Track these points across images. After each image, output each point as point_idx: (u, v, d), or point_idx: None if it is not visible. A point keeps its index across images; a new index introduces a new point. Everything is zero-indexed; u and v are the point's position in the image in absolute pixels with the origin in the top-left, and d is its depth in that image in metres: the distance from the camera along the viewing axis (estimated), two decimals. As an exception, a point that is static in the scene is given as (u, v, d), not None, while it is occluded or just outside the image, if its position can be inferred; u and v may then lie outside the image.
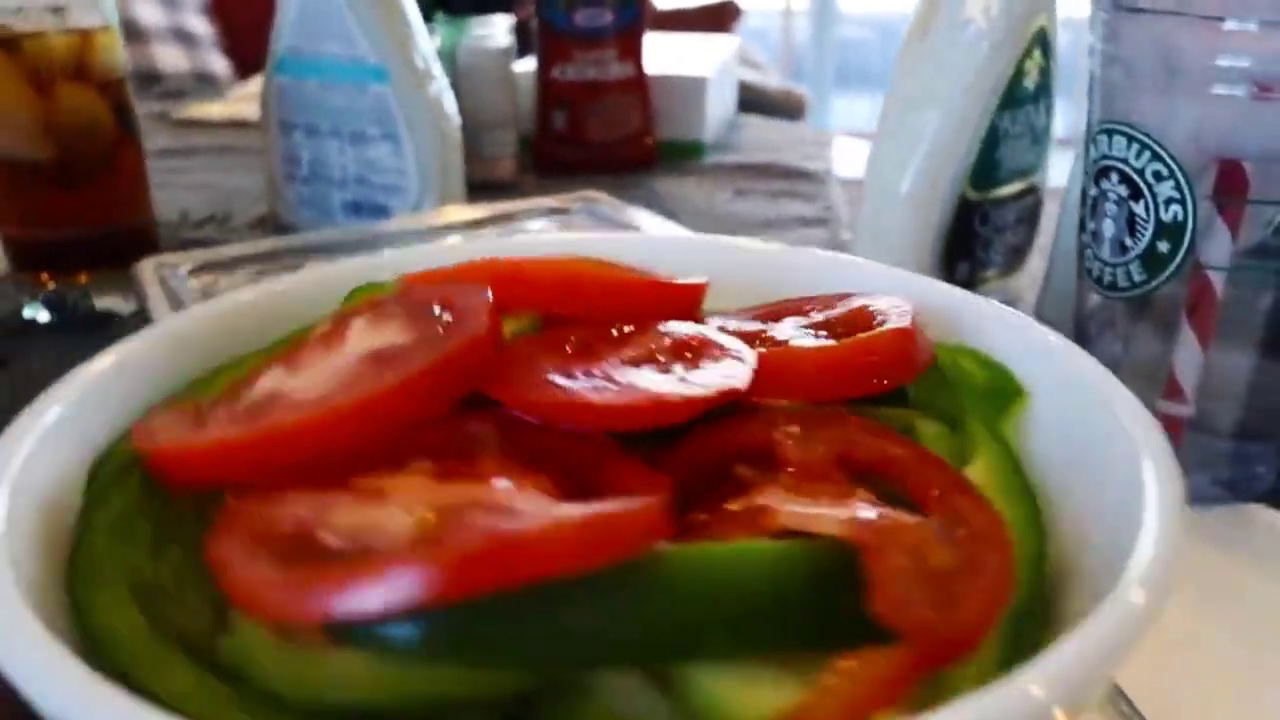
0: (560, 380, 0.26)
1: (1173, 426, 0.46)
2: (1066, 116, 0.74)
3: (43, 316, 0.64)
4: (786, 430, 0.27)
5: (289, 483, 0.22)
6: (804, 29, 3.61)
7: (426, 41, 0.71)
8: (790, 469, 0.26)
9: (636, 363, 0.28)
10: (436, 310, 0.26)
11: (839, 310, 0.33)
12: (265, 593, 0.19)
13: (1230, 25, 0.39)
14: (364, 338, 0.27)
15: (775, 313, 0.35)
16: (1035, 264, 0.68)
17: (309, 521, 0.21)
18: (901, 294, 0.33)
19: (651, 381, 0.26)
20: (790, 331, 0.32)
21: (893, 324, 0.30)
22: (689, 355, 0.29)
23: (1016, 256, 0.66)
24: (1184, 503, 0.23)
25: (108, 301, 0.65)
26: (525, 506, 0.20)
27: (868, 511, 0.23)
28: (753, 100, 1.51)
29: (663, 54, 1.05)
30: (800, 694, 0.20)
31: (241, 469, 0.23)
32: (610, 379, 0.26)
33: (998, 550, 0.22)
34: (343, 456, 0.23)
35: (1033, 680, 0.18)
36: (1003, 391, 0.31)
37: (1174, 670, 0.32)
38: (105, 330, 0.64)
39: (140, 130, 0.66)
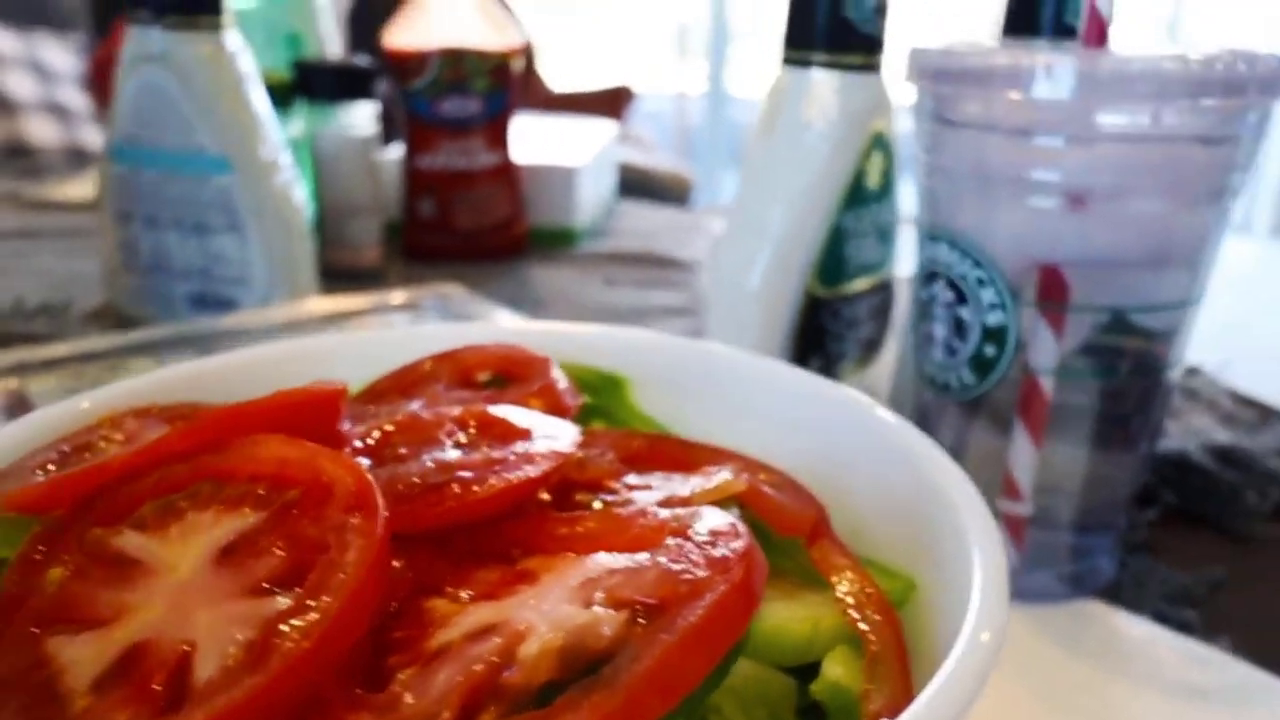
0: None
1: (1013, 525, 0.46)
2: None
3: None
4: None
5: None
6: (697, 111, 3.70)
7: (273, 130, 0.69)
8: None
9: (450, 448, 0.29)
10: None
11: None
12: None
13: (1040, 141, 0.40)
14: (215, 535, 0.25)
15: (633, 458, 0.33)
16: (891, 354, 0.68)
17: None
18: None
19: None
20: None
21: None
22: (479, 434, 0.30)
23: (871, 349, 0.67)
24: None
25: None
26: None
27: None
28: (637, 182, 1.52)
29: (539, 140, 1.05)
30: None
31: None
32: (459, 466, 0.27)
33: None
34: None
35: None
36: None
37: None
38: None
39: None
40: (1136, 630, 0.45)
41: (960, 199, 0.43)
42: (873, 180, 0.58)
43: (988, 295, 0.43)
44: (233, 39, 0.67)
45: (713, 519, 0.24)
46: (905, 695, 0.25)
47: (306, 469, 0.25)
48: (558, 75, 2.38)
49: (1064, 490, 0.47)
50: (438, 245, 0.96)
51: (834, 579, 0.28)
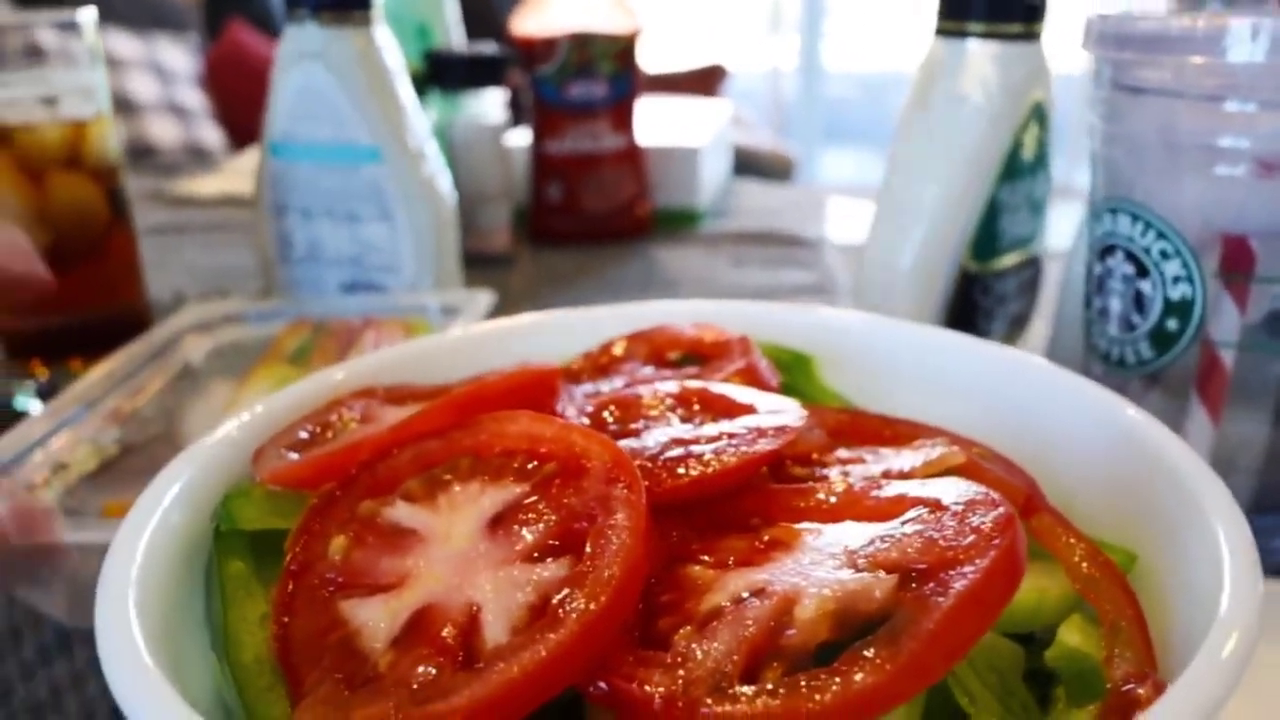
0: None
1: (1188, 503, 0.45)
2: (1069, 170, 0.74)
3: (35, 407, 0.63)
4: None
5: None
6: (791, 88, 3.66)
7: (420, 121, 0.71)
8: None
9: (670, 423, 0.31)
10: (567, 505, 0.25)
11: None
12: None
13: (1231, 106, 0.39)
14: (483, 505, 0.26)
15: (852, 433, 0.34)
16: (1038, 329, 0.67)
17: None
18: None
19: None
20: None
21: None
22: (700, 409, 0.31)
23: (1018, 325, 0.66)
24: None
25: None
26: None
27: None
28: (744, 162, 1.52)
29: (657, 122, 1.05)
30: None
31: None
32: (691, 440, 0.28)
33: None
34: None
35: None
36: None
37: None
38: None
39: (133, 214, 0.66)
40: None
41: (1143, 169, 0.43)
42: (1029, 152, 0.58)
43: (1172, 268, 0.42)
44: (382, 33, 0.69)
45: (963, 488, 0.24)
46: (1151, 665, 0.25)
47: (560, 444, 0.27)
48: (650, 55, 2.38)
49: (1241, 468, 0.46)
50: (565, 229, 0.97)
51: (1060, 549, 0.28)
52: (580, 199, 0.96)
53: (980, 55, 0.55)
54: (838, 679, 0.20)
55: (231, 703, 0.25)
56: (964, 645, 0.21)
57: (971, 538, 0.22)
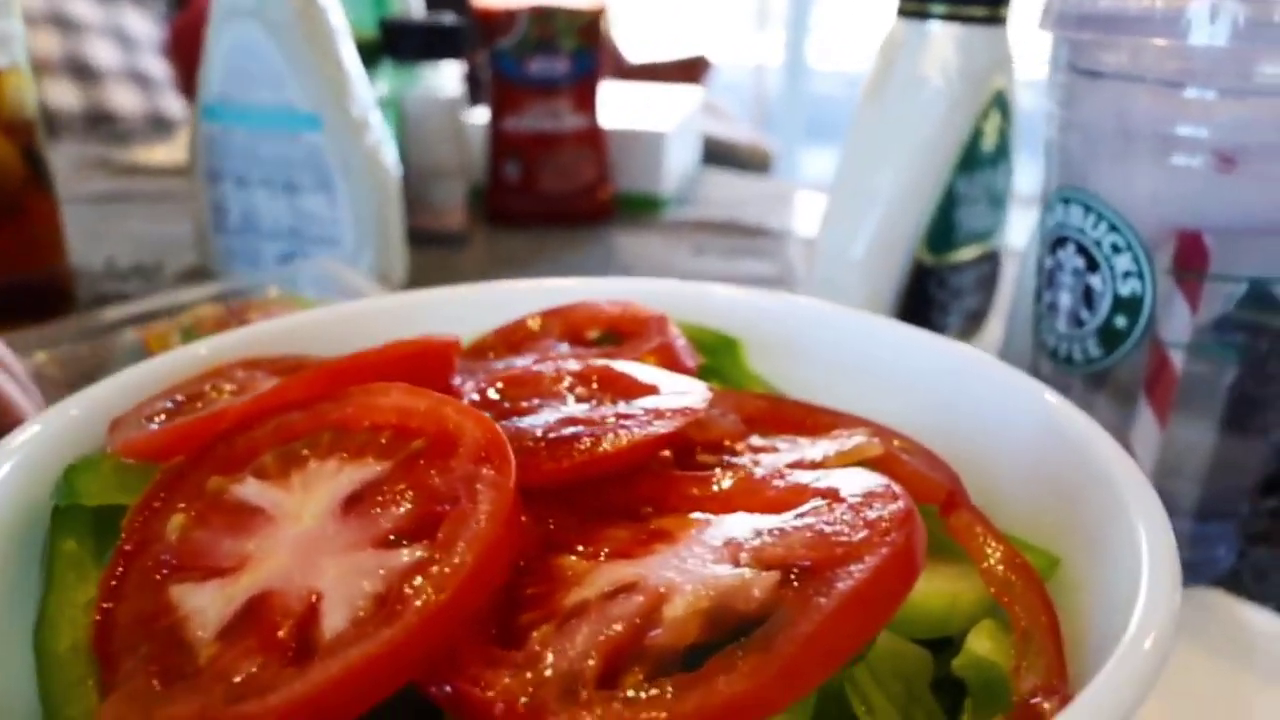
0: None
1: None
2: (1029, 175, 0.72)
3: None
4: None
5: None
6: (775, 83, 3.64)
7: (364, 88, 0.68)
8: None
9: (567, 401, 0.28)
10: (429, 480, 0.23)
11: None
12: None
13: (1190, 93, 0.37)
14: (339, 484, 0.24)
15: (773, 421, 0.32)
16: (994, 327, 0.66)
17: None
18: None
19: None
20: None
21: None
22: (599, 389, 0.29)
23: (974, 321, 0.64)
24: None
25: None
26: None
27: None
28: (719, 153, 1.49)
29: (625, 106, 1.03)
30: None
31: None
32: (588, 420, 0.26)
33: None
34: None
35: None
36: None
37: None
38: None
39: (53, 174, 0.63)
40: (1262, 622, 0.43)
41: (1097, 157, 0.41)
42: (989, 142, 0.56)
43: (1123, 262, 0.40)
44: (325, -6, 0.66)
45: (864, 480, 0.22)
46: (1061, 676, 0.23)
47: (431, 419, 0.24)
48: (634, 45, 2.35)
49: (1186, 474, 0.44)
50: (522, 209, 0.95)
51: (976, 550, 0.26)
52: (539, 179, 0.93)
53: (942, 37, 0.53)
54: (701, 685, 0.18)
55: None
56: (846, 651, 0.19)
57: (864, 532, 0.20)
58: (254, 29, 0.64)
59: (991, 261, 0.62)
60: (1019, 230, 0.65)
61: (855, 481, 0.22)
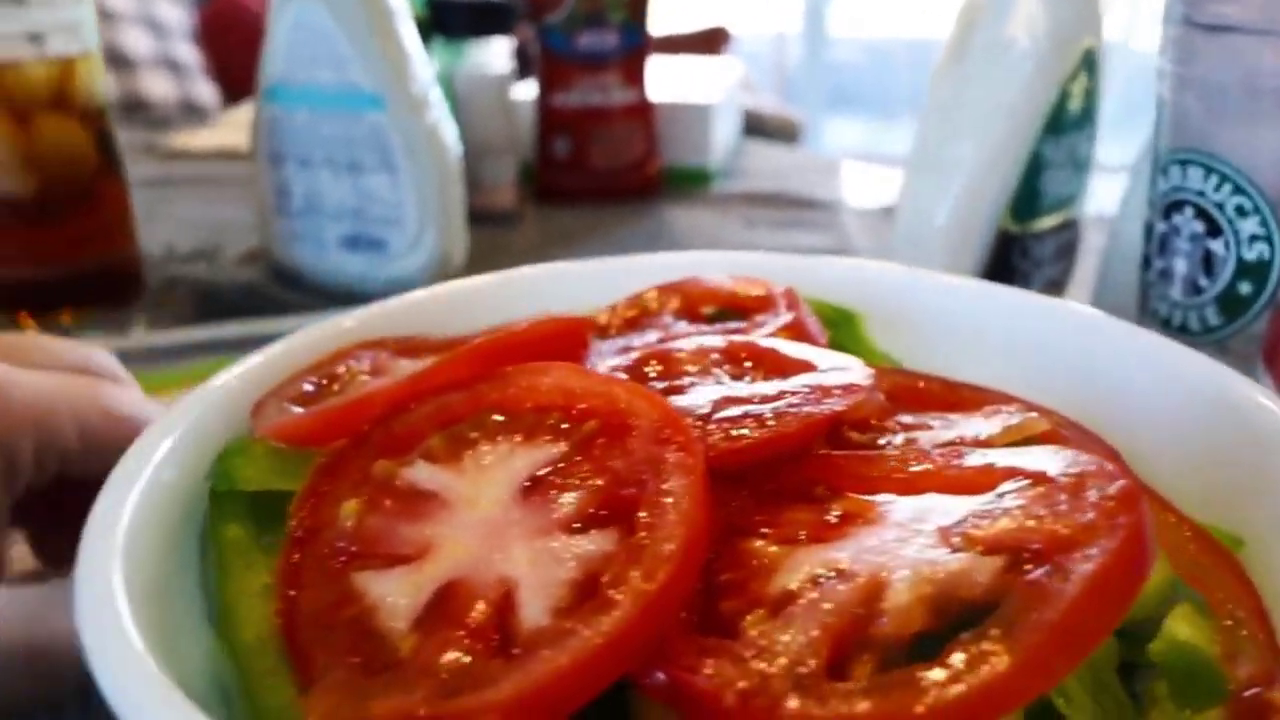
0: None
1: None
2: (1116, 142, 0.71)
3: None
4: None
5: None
6: (796, 52, 3.60)
7: (424, 67, 0.67)
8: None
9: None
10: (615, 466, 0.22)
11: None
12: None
13: (1324, 46, 0.36)
14: (515, 467, 0.23)
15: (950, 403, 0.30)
16: (1073, 297, 0.64)
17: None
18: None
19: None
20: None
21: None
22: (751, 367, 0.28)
23: (1054, 290, 0.63)
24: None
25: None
26: None
27: None
28: (751, 125, 1.48)
29: (666, 79, 1.01)
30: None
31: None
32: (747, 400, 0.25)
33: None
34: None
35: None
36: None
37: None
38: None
39: (124, 161, 0.62)
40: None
41: (1219, 116, 0.39)
42: (1075, 104, 0.54)
43: (1249, 226, 0.39)
44: (384, -29, 0.65)
45: (1066, 459, 0.21)
46: (1277, 662, 0.22)
47: (601, 399, 0.23)
48: (652, 16, 2.31)
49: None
50: (572, 186, 0.94)
51: (1164, 530, 0.25)
52: (588, 155, 0.92)
53: (1029, -3, 0.52)
54: (949, 676, 0.17)
55: (230, 686, 0.22)
56: (1093, 638, 0.18)
57: (1091, 515, 0.19)
58: (315, 9, 0.63)
59: (1071, 229, 0.61)
60: (1097, 199, 0.64)
61: (1060, 460, 0.21)
